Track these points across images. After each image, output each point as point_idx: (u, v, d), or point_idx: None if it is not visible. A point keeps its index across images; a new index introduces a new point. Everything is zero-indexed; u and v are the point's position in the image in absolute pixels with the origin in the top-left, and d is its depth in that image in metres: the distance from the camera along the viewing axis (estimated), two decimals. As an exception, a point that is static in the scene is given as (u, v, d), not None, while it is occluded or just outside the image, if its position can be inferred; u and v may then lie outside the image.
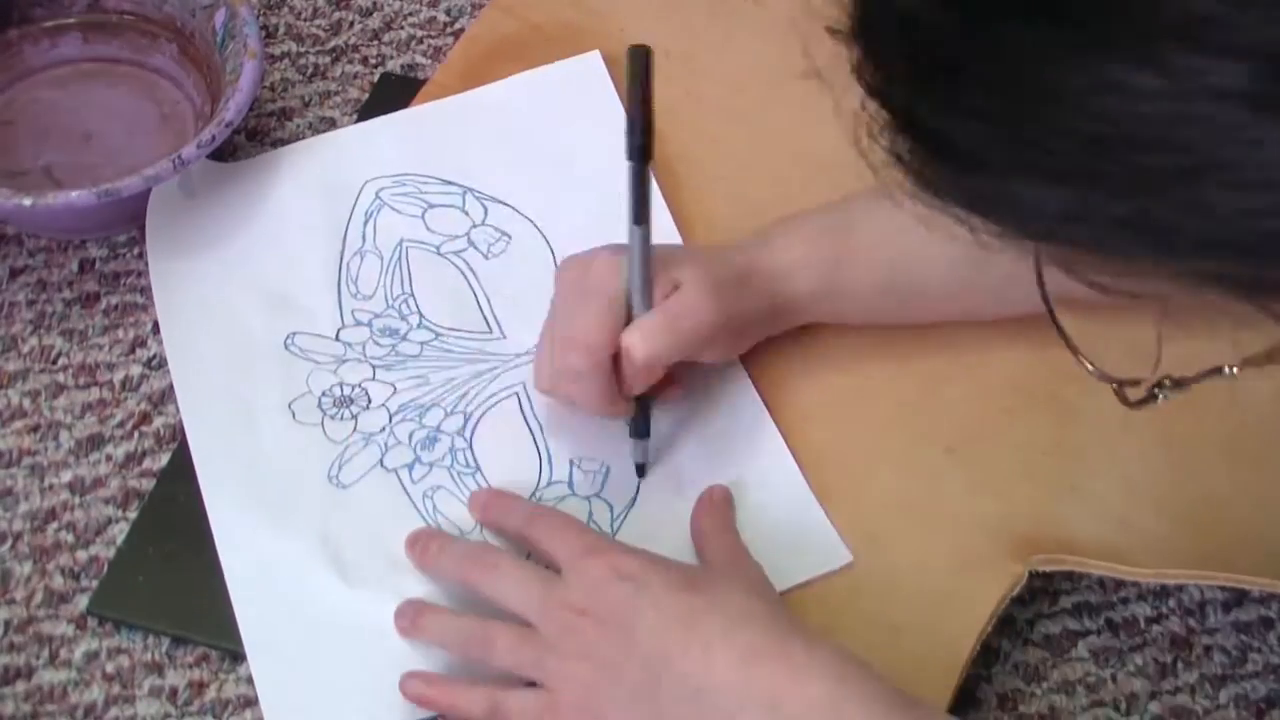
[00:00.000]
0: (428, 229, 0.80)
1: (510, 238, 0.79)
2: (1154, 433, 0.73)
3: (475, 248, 0.79)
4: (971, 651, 0.66)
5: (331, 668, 0.65)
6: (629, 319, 0.68)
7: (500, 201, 0.81)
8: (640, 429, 0.70)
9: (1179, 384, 0.52)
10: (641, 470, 0.71)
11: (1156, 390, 0.52)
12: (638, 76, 0.65)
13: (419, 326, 0.76)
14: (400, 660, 0.65)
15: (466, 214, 0.80)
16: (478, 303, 0.77)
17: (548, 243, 0.80)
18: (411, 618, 0.66)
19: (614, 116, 0.82)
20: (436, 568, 0.67)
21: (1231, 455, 0.73)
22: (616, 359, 0.67)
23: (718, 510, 0.70)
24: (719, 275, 0.69)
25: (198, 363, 0.74)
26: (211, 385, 0.74)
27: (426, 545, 0.68)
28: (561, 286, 0.70)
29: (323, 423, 0.73)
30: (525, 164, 0.82)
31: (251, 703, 0.66)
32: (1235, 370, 0.50)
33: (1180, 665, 0.69)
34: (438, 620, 0.66)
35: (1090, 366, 0.53)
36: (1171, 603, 0.70)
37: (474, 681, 0.64)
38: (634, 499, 0.71)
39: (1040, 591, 0.70)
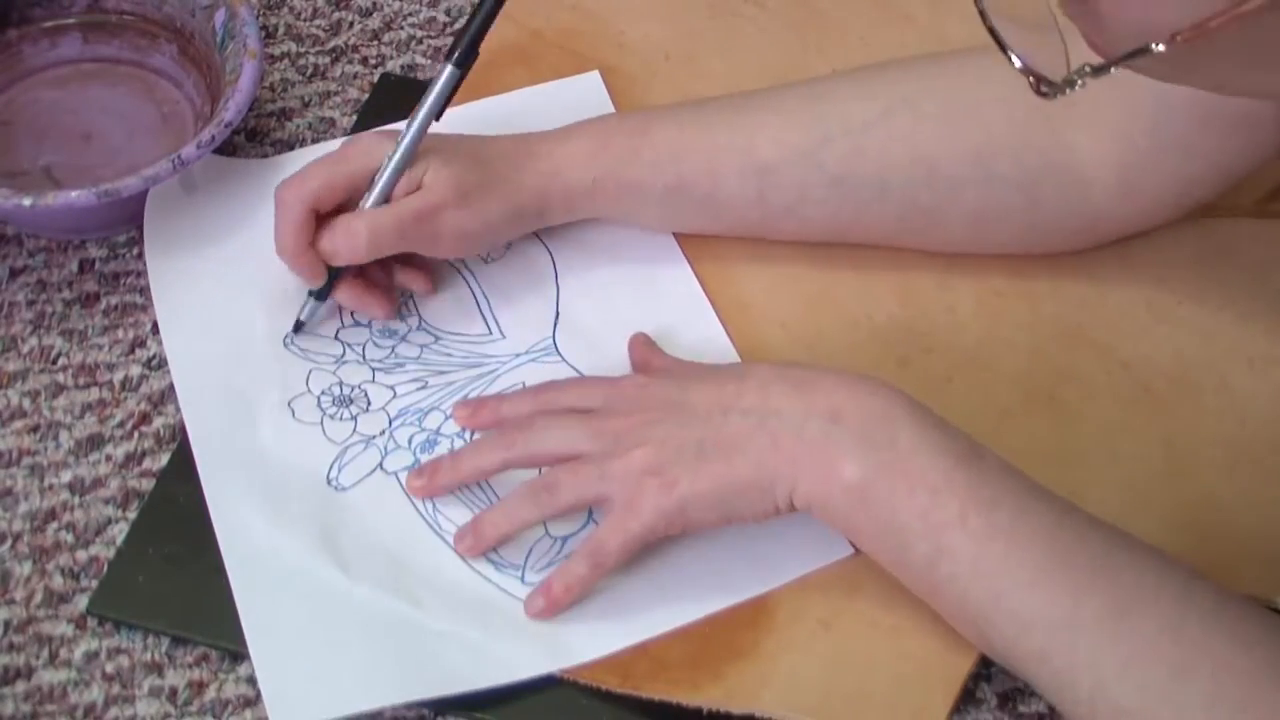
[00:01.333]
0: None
1: (509, 244, 0.80)
2: (1154, 435, 0.74)
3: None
4: (974, 662, 0.66)
5: (333, 659, 0.65)
6: (362, 193, 0.72)
7: None
8: (320, 294, 0.74)
9: (1100, 69, 0.51)
10: (299, 327, 0.75)
11: (1074, 76, 0.51)
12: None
13: (418, 329, 0.76)
14: (403, 651, 0.65)
15: None
16: (477, 304, 0.78)
17: (547, 247, 0.80)
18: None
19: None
20: (460, 472, 0.69)
21: (1231, 459, 0.73)
22: (324, 220, 0.72)
23: (651, 345, 0.74)
24: (465, 182, 0.72)
25: (197, 357, 0.74)
26: (211, 380, 0.74)
27: (436, 467, 0.70)
28: (331, 152, 0.74)
29: (322, 422, 0.73)
30: None
31: (251, 702, 0.66)
32: (1162, 47, 0.47)
33: (1179, 667, 0.69)
34: (502, 504, 0.68)
35: (1015, 60, 0.53)
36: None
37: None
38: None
39: (1039, 593, 0.70)
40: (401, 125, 0.72)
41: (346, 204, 0.72)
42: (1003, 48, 0.52)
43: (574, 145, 0.75)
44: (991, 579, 0.60)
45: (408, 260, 0.76)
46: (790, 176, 0.74)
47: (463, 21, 0.90)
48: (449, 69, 0.71)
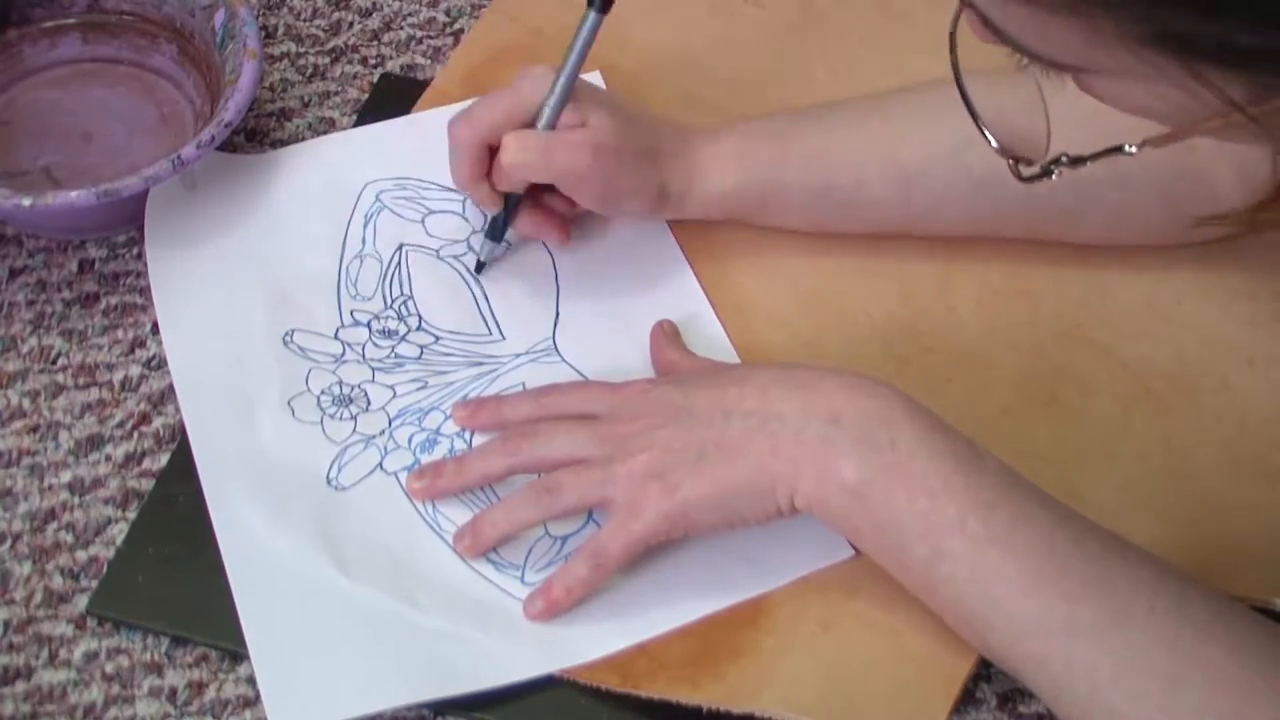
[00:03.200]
0: (428, 234, 0.80)
1: (510, 244, 0.80)
2: (1153, 435, 0.74)
3: (474, 251, 0.79)
4: (973, 664, 0.66)
5: (333, 661, 0.65)
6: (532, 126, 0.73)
7: None
8: (494, 232, 0.77)
9: (1076, 161, 0.53)
10: (480, 268, 0.77)
11: (1052, 166, 0.54)
12: None
13: (418, 329, 0.76)
14: (403, 652, 0.65)
15: (466, 220, 0.80)
16: (477, 304, 0.78)
17: (546, 248, 0.80)
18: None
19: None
20: (465, 478, 0.69)
21: (1231, 459, 0.73)
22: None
23: (676, 342, 0.74)
24: (626, 139, 0.73)
25: (197, 356, 0.74)
26: (210, 379, 0.73)
27: (439, 469, 0.70)
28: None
29: (322, 421, 0.73)
30: None
31: (251, 703, 0.66)
32: (1134, 149, 0.50)
33: (1179, 666, 0.69)
34: (503, 504, 0.68)
35: (992, 140, 0.55)
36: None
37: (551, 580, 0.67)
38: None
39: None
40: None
41: None
42: (981, 130, 0.54)
43: (722, 146, 0.76)
44: (988, 583, 0.60)
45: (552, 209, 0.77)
46: (936, 179, 0.75)
47: (462, 21, 0.91)
48: (592, 15, 0.73)
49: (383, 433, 0.73)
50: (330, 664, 0.65)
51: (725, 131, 0.77)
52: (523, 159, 0.72)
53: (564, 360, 0.76)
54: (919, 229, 0.78)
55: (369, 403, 0.73)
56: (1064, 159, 0.53)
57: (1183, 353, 0.76)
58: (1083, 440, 0.73)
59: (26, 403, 0.74)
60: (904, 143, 0.75)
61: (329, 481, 0.71)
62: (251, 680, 0.66)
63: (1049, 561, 0.60)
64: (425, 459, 0.72)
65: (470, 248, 0.79)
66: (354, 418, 0.73)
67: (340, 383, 0.74)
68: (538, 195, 0.76)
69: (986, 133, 0.55)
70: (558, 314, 0.77)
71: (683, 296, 0.78)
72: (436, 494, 0.70)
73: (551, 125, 0.73)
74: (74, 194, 0.73)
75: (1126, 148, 0.51)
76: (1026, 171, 0.54)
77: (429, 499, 0.70)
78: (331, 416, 0.73)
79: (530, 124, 0.73)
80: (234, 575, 0.67)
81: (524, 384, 0.74)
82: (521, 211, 0.76)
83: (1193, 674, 0.57)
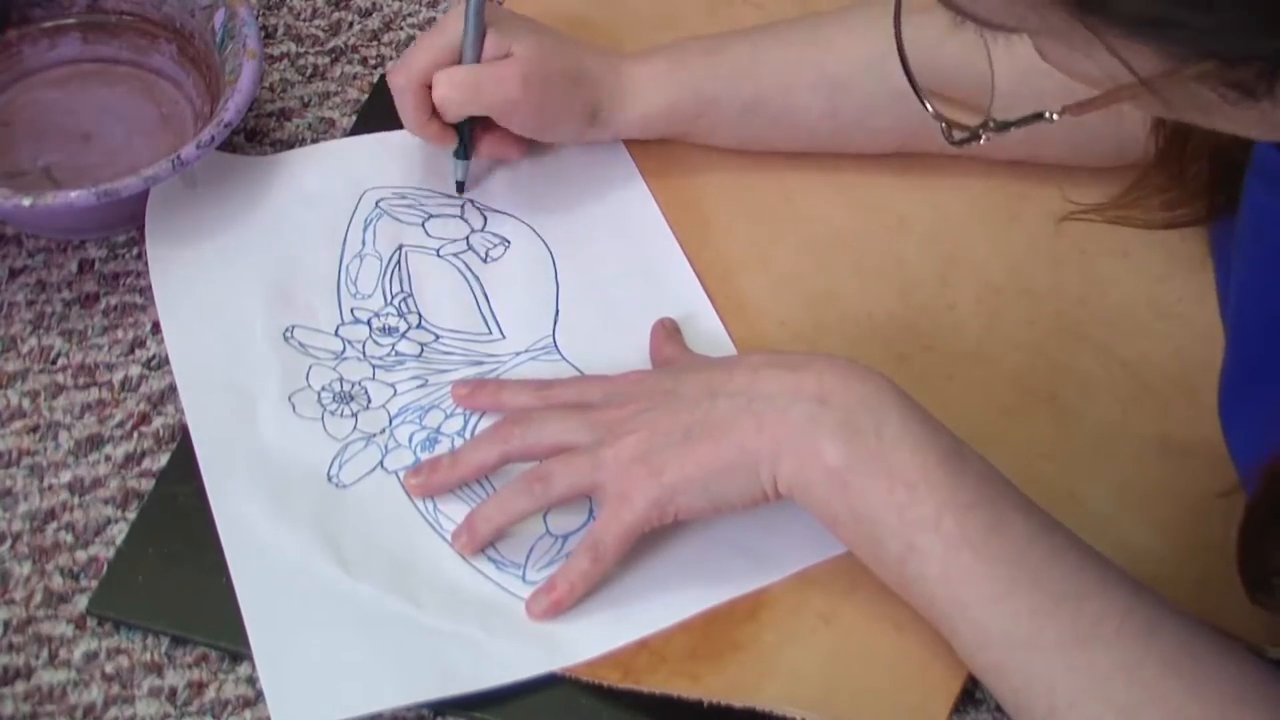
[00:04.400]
0: (427, 235, 0.80)
1: (509, 243, 0.80)
2: (1152, 434, 0.74)
3: (474, 251, 0.79)
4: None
5: (336, 659, 0.65)
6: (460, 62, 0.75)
7: (500, 211, 0.81)
8: (461, 151, 0.79)
9: (1003, 126, 0.54)
10: (461, 187, 0.80)
11: (980, 130, 0.54)
12: None
13: (418, 327, 0.76)
14: (405, 651, 0.65)
15: (465, 221, 0.80)
16: (477, 303, 0.78)
17: (547, 246, 0.80)
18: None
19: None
20: (460, 469, 0.69)
21: (1229, 462, 0.73)
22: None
23: (675, 338, 0.74)
24: (554, 63, 0.76)
25: (198, 352, 0.74)
26: (212, 375, 0.73)
27: (434, 465, 0.70)
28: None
29: (323, 418, 0.73)
30: (526, 179, 0.82)
31: (251, 703, 0.66)
32: (1055, 116, 0.51)
33: (1179, 664, 0.68)
34: (495, 497, 0.68)
35: (929, 107, 0.56)
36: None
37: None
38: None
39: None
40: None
41: None
42: (919, 95, 0.55)
43: (653, 64, 0.79)
44: (957, 586, 0.60)
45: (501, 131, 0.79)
46: (859, 89, 0.78)
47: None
48: None
49: (383, 431, 0.73)
50: (333, 662, 0.65)
51: (656, 52, 0.80)
52: (452, 95, 0.74)
53: (564, 358, 0.76)
54: (851, 144, 0.80)
55: (369, 400, 0.73)
56: (991, 124, 0.54)
57: (1182, 351, 0.76)
58: (1082, 438, 0.73)
59: (26, 403, 0.74)
60: (830, 54, 0.78)
61: (330, 478, 0.71)
62: (252, 680, 0.66)
63: (1021, 571, 0.59)
64: (426, 457, 0.72)
65: (470, 246, 0.79)
66: (354, 415, 0.73)
67: (341, 380, 0.74)
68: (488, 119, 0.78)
69: (926, 101, 0.55)
70: (557, 312, 0.77)
71: (682, 295, 0.78)
72: (433, 489, 0.70)
73: (476, 58, 0.75)
74: (74, 194, 0.73)
75: (1048, 114, 0.52)
76: (958, 135, 0.55)
77: (427, 495, 0.70)
78: (332, 413, 0.73)
79: (458, 60, 0.75)
80: (236, 572, 0.67)
81: (524, 382, 0.75)
82: (479, 135, 0.78)
83: (1150, 709, 0.56)
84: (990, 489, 0.61)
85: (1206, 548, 0.69)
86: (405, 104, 0.76)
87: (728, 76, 0.78)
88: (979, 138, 0.54)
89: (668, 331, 0.75)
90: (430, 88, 0.75)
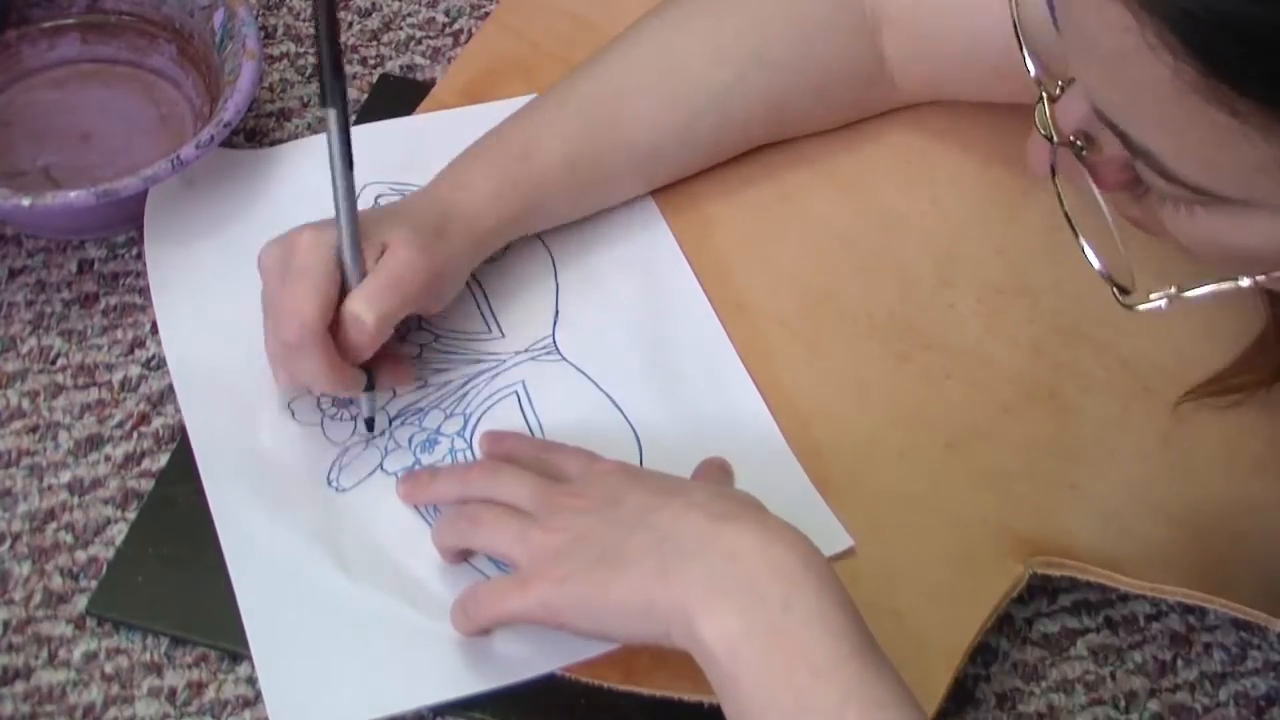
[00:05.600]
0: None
1: (509, 243, 0.80)
2: (1153, 433, 0.74)
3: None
4: (972, 641, 0.66)
5: (335, 664, 0.65)
6: (342, 289, 0.67)
7: None
8: (368, 385, 0.70)
9: (1184, 290, 0.53)
10: (371, 425, 0.72)
11: (1160, 297, 0.54)
12: (325, 19, 0.62)
13: (418, 328, 0.76)
14: (405, 655, 0.65)
15: None
16: (476, 303, 0.78)
17: (546, 246, 0.80)
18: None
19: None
20: (434, 492, 0.69)
21: (1229, 460, 0.73)
22: (334, 331, 0.67)
23: (721, 472, 0.70)
24: (422, 229, 0.70)
25: (196, 357, 0.74)
26: (210, 381, 0.73)
27: (416, 478, 0.70)
28: (266, 272, 0.69)
29: (322, 422, 0.73)
30: None
31: (250, 703, 0.66)
32: (1248, 283, 0.51)
33: (1180, 663, 0.69)
34: (438, 520, 0.68)
35: (1095, 262, 0.55)
36: (1171, 600, 0.70)
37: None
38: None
39: (1039, 589, 0.70)
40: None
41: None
42: (1088, 254, 0.55)
43: (477, 192, 0.73)
44: None
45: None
46: (673, 157, 0.79)
47: (461, 21, 0.91)
48: (331, 113, 0.64)
49: (383, 433, 0.73)
50: (333, 666, 0.65)
51: (471, 173, 0.74)
52: (384, 310, 0.67)
53: (564, 358, 0.76)
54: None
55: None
56: (1173, 290, 0.53)
57: (1181, 350, 0.76)
58: (1083, 434, 0.73)
59: (26, 403, 0.74)
60: (638, 132, 0.77)
61: (329, 482, 0.71)
62: (251, 680, 0.66)
63: None
64: (426, 459, 0.72)
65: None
66: (354, 418, 0.73)
67: (340, 381, 0.74)
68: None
69: (1094, 260, 0.55)
70: (557, 312, 0.77)
71: (683, 295, 0.78)
72: (409, 499, 0.70)
73: (363, 267, 0.67)
74: (73, 194, 0.73)
75: (1241, 281, 0.52)
76: (1135, 302, 0.55)
77: (411, 502, 0.70)
78: (331, 417, 0.73)
79: (342, 287, 0.67)
80: (236, 575, 0.67)
81: (524, 382, 0.74)
82: (373, 363, 0.70)
83: None
84: (904, 695, 0.56)
85: (1212, 531, 0.70)
86: (318, 362, 0.66)
87: (550, 184, 0.75)
88: (1158, 303, 0.54)
89: (714, 468, 0.70)
90: (330, 329, 0.67)
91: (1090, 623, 0.70)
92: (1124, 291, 0.55)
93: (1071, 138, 0.55)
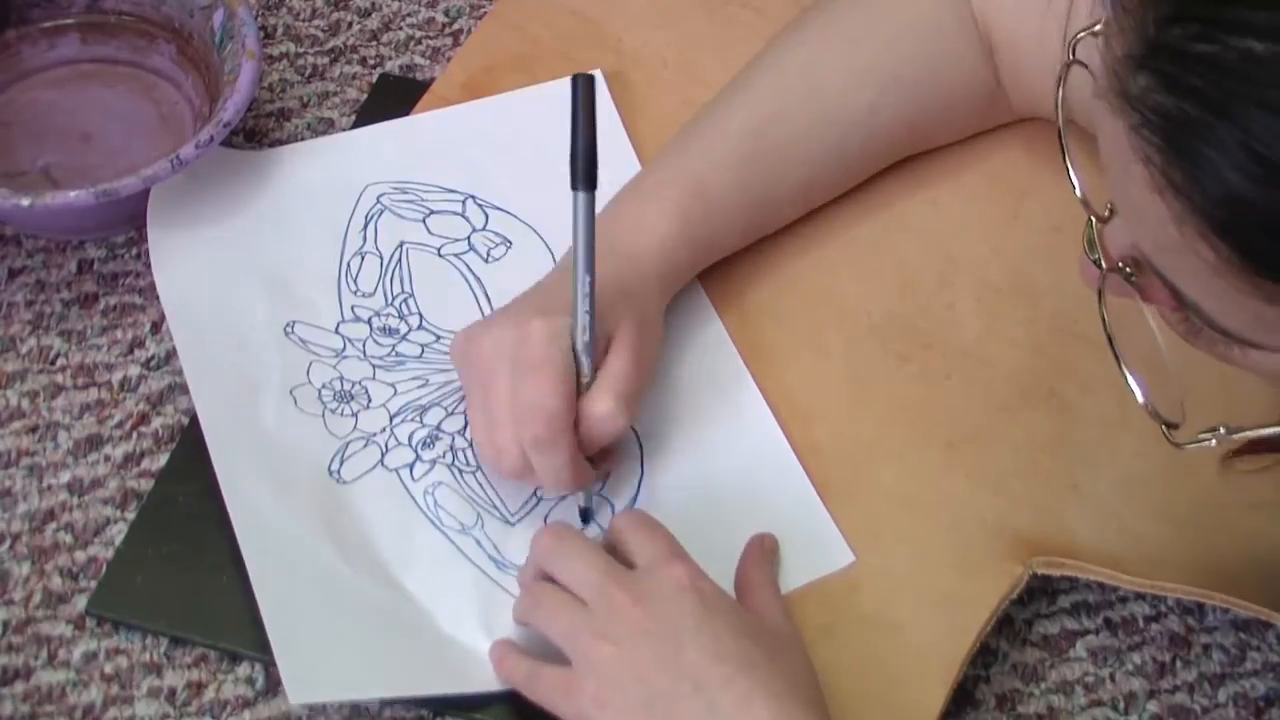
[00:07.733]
0: (429, 232, 0.80)
1: (511, 243, 0.80)
2: (1152, 432, 0.73)
3: (475, 251, 0.79)
4: (970, 649, 0.66)
5: (343, 642, 0.65)
6: (578, 380, 0.66)
7: (501, 209, 0.81)
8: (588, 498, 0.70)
9: (1233, 432, 0.53)
10: (587, 516, 0.70)
11: (1209, 436, 0.54)
12: (584, 104, 0.63)
13: (419, 328, 0.76)
14: (405, 647, 0.65)
15: (467, 220, 0.80)
16: (478, 303, 0.77)
17: (547, 246, 0.80)
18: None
19: (614, 132, 0.83)
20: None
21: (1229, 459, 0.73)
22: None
23: (767, 561, 0.68)
24: (637, 306, 0.69)
25: (203, 342, 0.74)
26: (217, 361, 0.73)
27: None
28: (486, 362, 0.67)
29: (324, 415, 0.73)
30: (527, 174, 0.82)
31: (250, 703, 0.66)
32: None
33: (1179, 664, 0.69)
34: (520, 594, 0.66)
35: (1140, 395, 0.55)
36: (1170, 601, 0.70)
37: (523, 652, 0.65)
38: (634, 497, 0.71)
39: (1038, 591, 0.70)
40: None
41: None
42: (1129, 385, 0.55)
43: (658, 233, 0.72)
44: None
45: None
46: (829, 180, 0.79)
47: (461, 21, 0.91)
48: (581, 195, 0.64)
49: (383, 430, 0.73)
50: (342, 645, 0.65)
51: (652, 219, 0.73)
52: (630, 408, 0.67)
53: (564, 359, 0.76)
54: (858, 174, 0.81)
55: (369, 400, 0.73)
56: (1223, 429, 0.53)
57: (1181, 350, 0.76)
58: (1082, 434, 0.73)
59: (26, 403, 0.74)
60: (795, 153, 0.77)
61: (331, 473, 0.71)
62: (250, 680, 0.66)
63: None
64: (426, 455, 0.72)
65: (471, 246, 0.79)
66: (355, 414, 0.73)
67: (341, 378, 0.74)
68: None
69: (1136, 388, 0.55)
70: (557, 312, 0.77)
71: (683, 295, 0.78)
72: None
73: (594, 361, 0.67)
74: (73, 194, 0.73)
75: None
76: (1183, 441, 0.54)
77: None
78: (333, 411, 0.73)
79: (576, 384, 0.66)
80: (247, 551, 0.67)
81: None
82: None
83: None
84: None
85: (1213, 529, 0.70)
86: (563, 458, 0.65)
87: (725, 225, 0.75)
88: (1207, 442, 0.54)
89: (764, 551, 0.69)
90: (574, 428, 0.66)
91: (1090, 624, 0.70)
92: (1171, 427, 0.54)
93: (1120, 263, 0.54)
